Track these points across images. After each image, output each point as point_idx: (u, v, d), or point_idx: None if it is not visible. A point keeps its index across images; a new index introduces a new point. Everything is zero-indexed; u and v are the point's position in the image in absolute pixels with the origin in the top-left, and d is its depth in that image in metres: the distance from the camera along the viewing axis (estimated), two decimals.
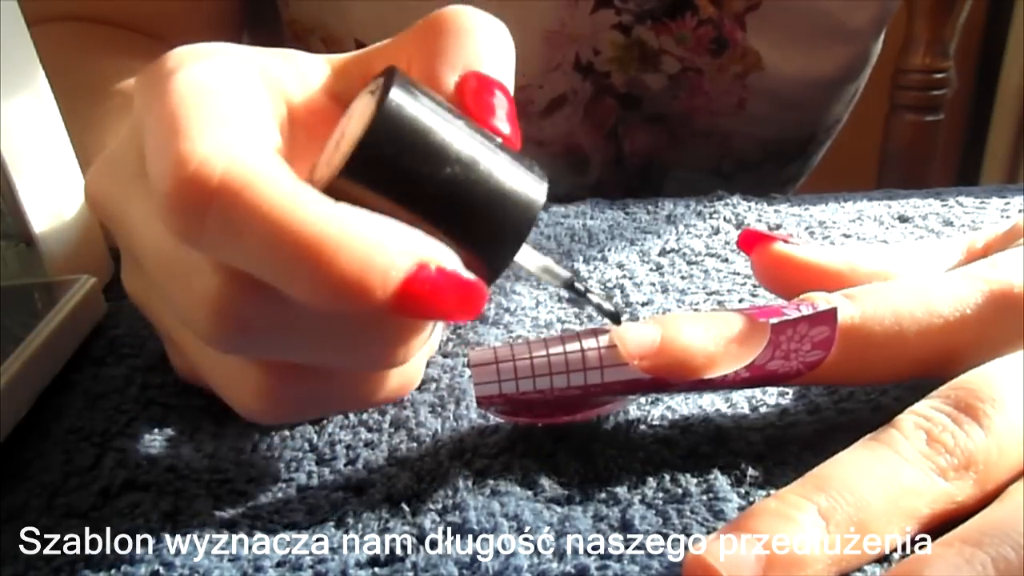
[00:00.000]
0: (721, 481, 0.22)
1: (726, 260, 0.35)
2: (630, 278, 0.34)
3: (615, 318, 0.23)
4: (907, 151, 0.69)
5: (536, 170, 0.21)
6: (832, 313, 0.22)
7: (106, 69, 0.42)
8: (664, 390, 0.23)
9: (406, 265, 0.18)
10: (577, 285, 0.23)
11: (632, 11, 0.48)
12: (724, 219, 0.39)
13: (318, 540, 0.21)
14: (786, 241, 0.27)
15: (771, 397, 0.26)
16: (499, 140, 0.21)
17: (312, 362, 0.21)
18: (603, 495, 0.22)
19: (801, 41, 0.50)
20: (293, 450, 0.25)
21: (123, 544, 0.21)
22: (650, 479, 0.22)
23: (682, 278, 0.34)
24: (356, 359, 0.21)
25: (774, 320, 0.22)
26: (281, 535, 0.21)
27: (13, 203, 0.29)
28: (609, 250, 0.36)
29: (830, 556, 0.18)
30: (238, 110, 0.20)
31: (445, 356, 0.29)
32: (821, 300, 0.23)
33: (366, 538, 0.21)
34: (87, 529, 0.21)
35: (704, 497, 0.21)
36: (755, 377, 0.22)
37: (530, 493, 0.22)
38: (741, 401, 0.25)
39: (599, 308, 0.23)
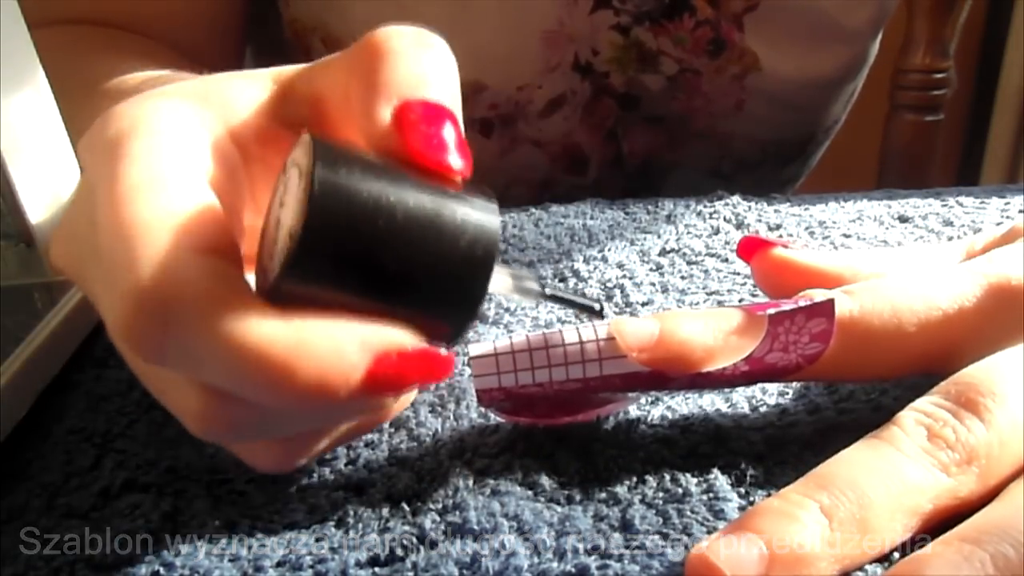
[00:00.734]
0: (721, 481, 0.22)
1: (726, 260, 0.35)
2: (630, 278, 0.34)
3: (598, 314, 0.23)
4: (907, 151, 0.69)
5: (488, 208, 0.20)
6: (829, 305, 0.22)
7: (106, 70, 0.42)
8: (663, 386, 0.23)
9: (364, 362, 0.18)
10: (552, 292, 0.23)
11: (630, 12, 0.48)
12: (724, 219, 0.39)
13: (318, 540, 0.21)
14: (785, 246, 0.27)
15: (771, 397, 0.26)
16: (438, 187, 0.19)
17: (303, 430, 0.22)
18: (603, 495, 0.22)
19: (799, 41, 0.50)
20: None
21: (123, 544, 0.21)
22: (650, 479, 0.22)
23: (682, 278, 0.34)
24: (342, 422, 0.22)
25: (771, 311, 0.22)
26: (281, 535, 0.21)
27: (13, 203, 0.29)
28: (609, 250, 0.36)
29: (833, 554, 0.18)
30: (184, 191, 0.19)
31: None
32: (819, 294, 0.23)
33: (366, 538, 0.21)
34: (87, 529, 0.21)
35: (704, 497, 0.21)
36: (754, 371, 0.22)
37: (530, 493, 0.22)
38: (741, 401, 0.25)
39: (581, 307, 0.23)
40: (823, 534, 0.18)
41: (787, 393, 0.26)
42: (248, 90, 0.23)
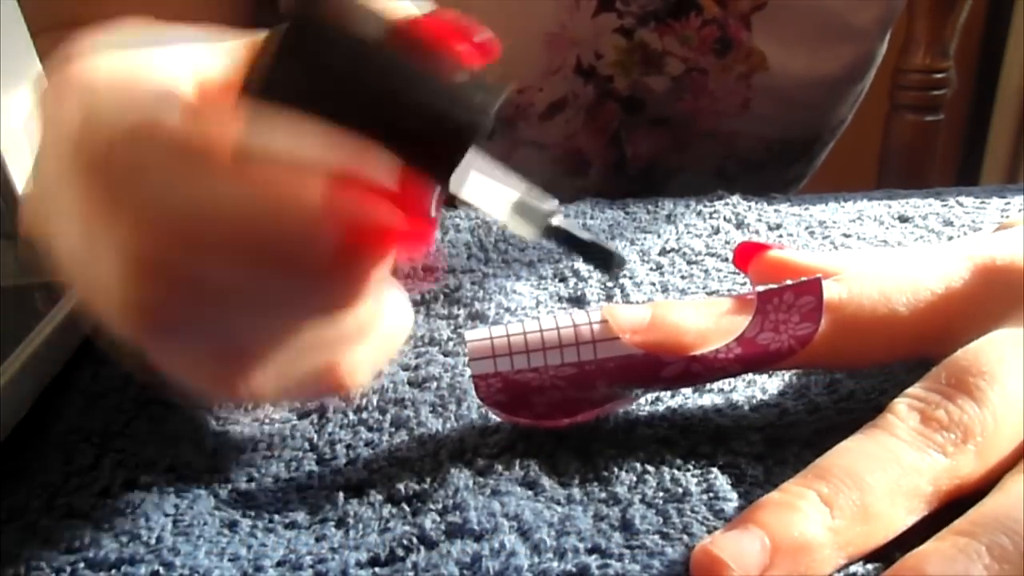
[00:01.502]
0: (721, 481, 0.22)
1: (726, 260, 0.35)
2: (630, 278, 0.34)
3: (611, 260, 0.21)
4: (907, 151, 0.69)
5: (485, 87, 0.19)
6: (817, 282, 0.23)
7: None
8: (658, 373, 0.23)
9: (322, 177, 0.17)
10: (560, 226, 0.21)
11: (635, 13, 0.48)
12: (724, 219, 0.39)
13: (318, 540, 0.21)
14: (780, 248, 0.27)
15: (771, 397, 0.26)
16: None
17: (245, 328, 0.20)
18: (603, 495, 0.22)
19: (806, 40, 0.50)
20: (293, 450, 0.25)
21: (123, 544, 0.21)
22: (650, 479, 0.22)
23: (682, 278, 0.34)
24: (299, 309, 0.20)
25: (760, 288, 0.23)
26: (281, 535, 0.21)
27: (13, 203, 0.29)
28: None
29: (836, 541, 0.18)
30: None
31: (446, 355, 0.29)
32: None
33: (366, 538, 0.21)
34: (87, 529, 0.21)
35: (704, 496, 0.21)
36: (748, 355, 0.23)
37: (530, 493, 0.22)
38: (741, 401, 0.25)
39: (592, 251, 0.21)
40: (825, 522, 0.18)
41: (787, 393, 0.26)
42: (210, 55, 0.22)
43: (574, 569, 0.19)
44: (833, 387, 0.26)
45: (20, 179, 0.29)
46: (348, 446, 0.24)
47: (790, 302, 0.22)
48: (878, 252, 0.28)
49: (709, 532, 0.20)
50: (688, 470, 0.22)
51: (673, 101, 0.51)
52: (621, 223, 0.39)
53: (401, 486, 0.22)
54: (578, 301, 0.32)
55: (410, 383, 0.27)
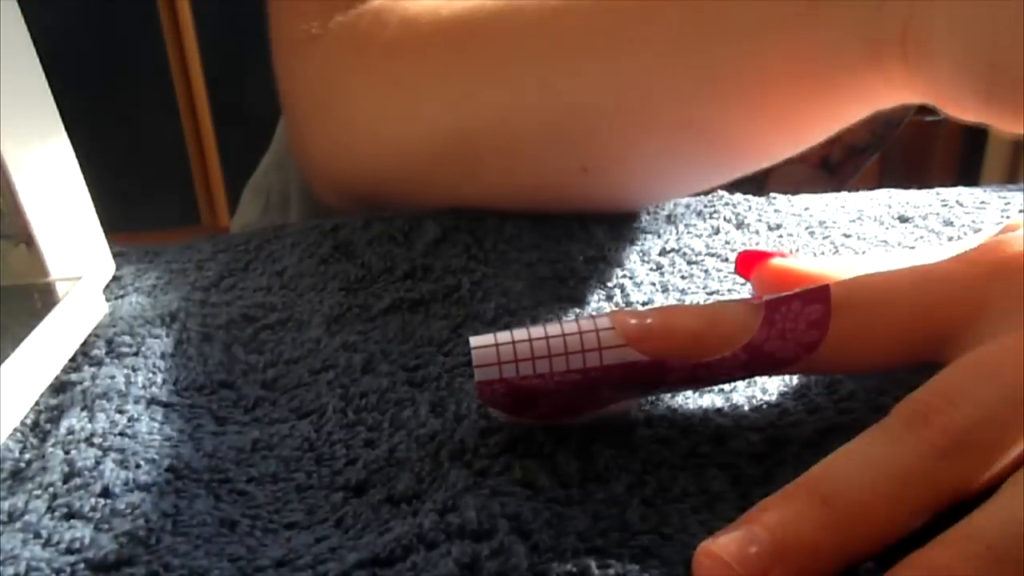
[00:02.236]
0: (721, 481, 0.22)
1: (726, 260, 0.35)
2: (630, 278, 0.34)
3: None
4: (907, 151, 0.69)
5: None
6: (825, 291, 0.22)
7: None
8: (663, 379, 0.23)
9: None
10: None
11: None
12: (724, 219, 0.39)
13: (318, 540, 0.21)
14: (782, 256, 0.27)
15: (771, 397, 0.26)
16: None
17: None
18: (603, 495, 0.22)
19: None
20: (293, 450, 0.25)
21: (123, 545, 0.21)
22: (650, 479, 0.22)
23: (682, 278, 0.34)
24: None
25: (767, 297, 0.23)
26: (281, 535, 0.21)
27: (13, 203, 0.29)
28: (609, 250, 0.36)
29: (838, 545, 0.18)
30: None
31: (446, 355, 0.29)
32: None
33: (366, 538, 0.21)
34: (87, 529, 0.21)
35: (704, 496, 0.21)
36: (753, 361, 0.22)
37: (530, 493, 0.22)
38: (741, 401, 0.25)
39: None
40: (827, 526, 0.18)
41: (787, 393, 0.26)
42: None
43: (574, 569, 0.19)
44: (833, 387, 0.26)
45: (20, 179, 0.29)
46: (347, 446, 0.24)
47: (798, 311, 0.22)
48: (880, 255, 0.28)
49: (709, 532, 0.20)
50: (688, 470, 0.22)
51: None
52: (621, 223, 0.39)
53: (401, 486, 0.22)
54: (577, 301, 0.32)
55: (410, 383, 0.27)
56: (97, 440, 0.25)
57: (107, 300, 0.32)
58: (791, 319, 0.22)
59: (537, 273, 0.34)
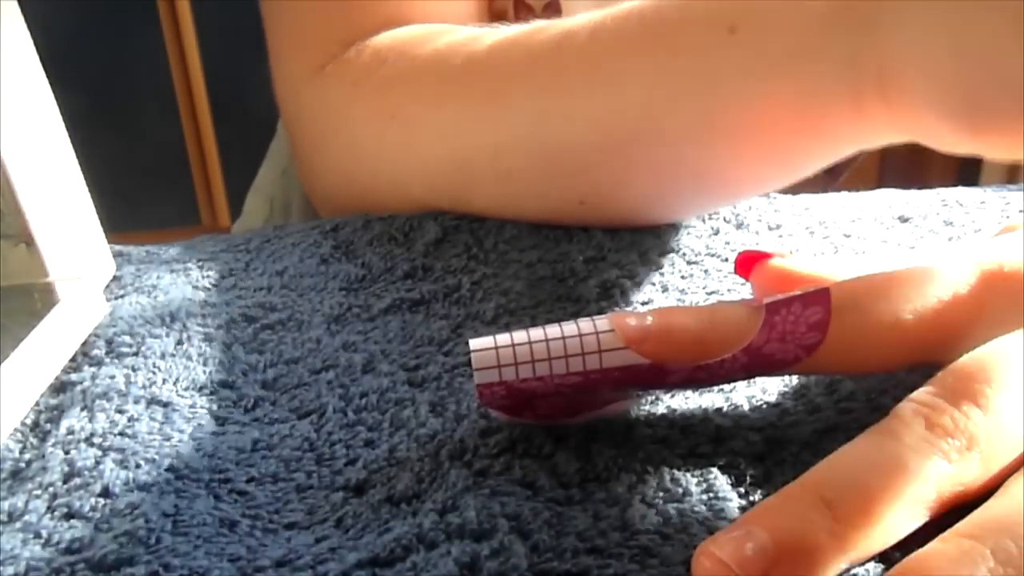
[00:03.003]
0: (721, 481, 0.22)
1: (726, 260, 0.35)
2: (630, 278, 0.34)
3: None
4: (907, 151, 0.69)
5: None
6: (826, 293, 0.22)
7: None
8: (663, 381, 0.23)
9: None
10: None
11: None
12: (724, 219, 0.39)
13: (318, 540, 0.21)
14: (782, 256, 0.27)
15: (771, 397, 0.26)
16: None
17: None
18: (603, 495, 0.22)
19: None
20: (293, 450, 0.25)
21: (123, 544, 0.21)
22: (650, 479, 0.22)
23: (682, 278, 0.34)
24: None
25: (768, 300, 0.23)
26: (281, 535, 0.21)
27: (13, 203, 0.29)
28: (609, 250, 0.36)
29: (838, 547, 0.18)
30: None
31: (446, 355, 0.29)
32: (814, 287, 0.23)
33: (366, 538, 0.21)
34: (87, 529, 0.21)
35: (704, 497, 0.21)
36: (753, 363, 0.22)
37: (530, 493, 0.22)
38: (741, 401, 0.25)
39: None
40: (827, 526, 0.18)
41: (787, 393, 0.26)
42: None
43: (573, 569, 0.19)
44: (833, 387, 0.26)
45: (20, 179, 0.29)
46: (347, 446, 0.24)
47: (798, 313, 0.22)
48: (881, 256, 0.28)
49: (709, 532, 0.20)
50: (688, 470, 0.22)
51: None
52: None
53: (401, 486, 0.22)
54: (577, 301, 0.32)
55: (410, 383, 0.27)
56: (97, 440, 0.25)
57: (107, 300, 0.32)
58: (791, 321, 0.22)
59: (537, 273, 0.34)
